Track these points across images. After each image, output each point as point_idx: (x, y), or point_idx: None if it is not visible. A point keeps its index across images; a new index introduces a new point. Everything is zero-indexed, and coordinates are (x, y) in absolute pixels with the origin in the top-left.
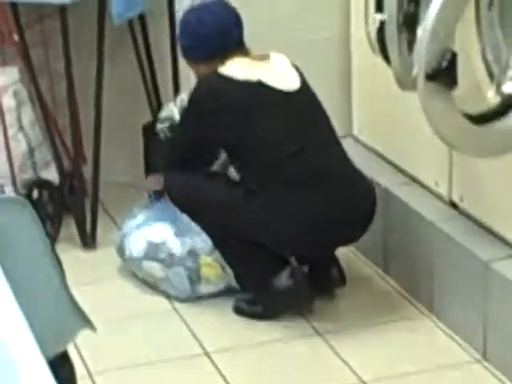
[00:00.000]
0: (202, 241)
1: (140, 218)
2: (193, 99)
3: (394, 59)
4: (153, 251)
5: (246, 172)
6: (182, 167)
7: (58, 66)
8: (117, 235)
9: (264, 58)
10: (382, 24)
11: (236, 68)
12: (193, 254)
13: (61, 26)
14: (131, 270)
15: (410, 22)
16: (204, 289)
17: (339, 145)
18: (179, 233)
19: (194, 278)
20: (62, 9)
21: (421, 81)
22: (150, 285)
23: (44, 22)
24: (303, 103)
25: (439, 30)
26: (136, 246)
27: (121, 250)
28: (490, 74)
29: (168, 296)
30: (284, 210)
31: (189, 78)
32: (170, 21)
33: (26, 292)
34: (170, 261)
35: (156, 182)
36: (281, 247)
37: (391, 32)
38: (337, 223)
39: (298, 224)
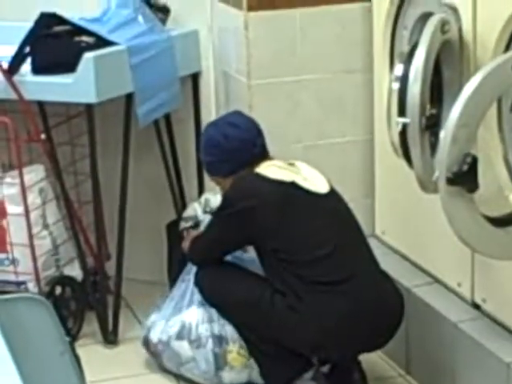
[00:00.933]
0: (231, 328)
1: (169, 305)
2: (228, 197)
3: (416, 162)
4: (185, 331)
5: (274, 271)
6: (205, 263)
7: (83, 164)
8: (145, 323)
9: (291, 164)
10: (405, 127)
11: (270, 169)
12: (221, 339)
13: (87, 125)
14: (154, 359)
15: (432, 126)
16: (227, 376)
17: (369, 249)
18: (209, 318)
19: (220, 363)
20: (89, 108)
21: (442, 184)
22: (172, 372)
23: (71, 121)
24: (333, 206)
25: (460, 134)
26: (168, 328)
27: (146, 339)
28: None
29: None
30: (310, 314)
31: None
32: (196, 121)
33: None
34: (198, 343)
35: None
36: (304, 350)
37: (413, 135)
38: (363, 331)
39: (323, 329)
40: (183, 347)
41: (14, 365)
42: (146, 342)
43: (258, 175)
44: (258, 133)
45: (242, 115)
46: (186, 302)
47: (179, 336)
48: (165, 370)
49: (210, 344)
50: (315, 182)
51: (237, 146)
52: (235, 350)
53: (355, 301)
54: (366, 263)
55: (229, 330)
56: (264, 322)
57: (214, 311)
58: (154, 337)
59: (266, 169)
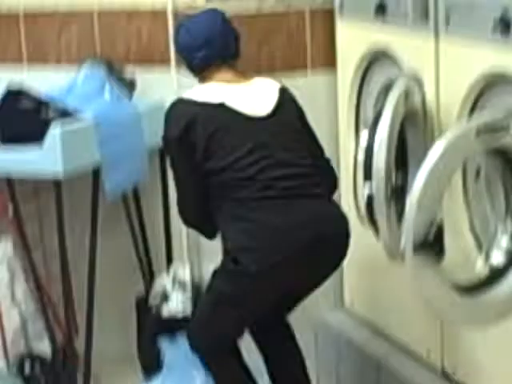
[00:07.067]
0: None
1: None
2: (164, 137)
3: (383, 231)
4: None
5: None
6: (195, 208)
7: (52, 239)
8: None
9: (246, 79)
10: (371, 197)
11: (199, 91)
12: None
13: (55, 201)
14: None
15: (398, 194)
16: None
17: (317, 169)
18: None
19: None
20: (57, 184)
21: (409, 253)
22: None
23: (39, 197)
24: (270, 127)
25: (425, 202)
26: None
27: None
28: (479, 244)
29: None
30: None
31: (181, 249)
32: (164, 194)
33: None
34: None
35: None
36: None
37: (380, 204)
38: (309, 249)
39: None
40: None
41: None
42: None
43: (183, 100)
44: (206, 44)
45: (213, 14)
46: None
47: None
48: None
49: None
50: (255, 104)
51: (180, 49)
52: None
53: (292, 220)
54: (306, 185)
55: None
56: None
57: None
58: None
59: (196, 89)
